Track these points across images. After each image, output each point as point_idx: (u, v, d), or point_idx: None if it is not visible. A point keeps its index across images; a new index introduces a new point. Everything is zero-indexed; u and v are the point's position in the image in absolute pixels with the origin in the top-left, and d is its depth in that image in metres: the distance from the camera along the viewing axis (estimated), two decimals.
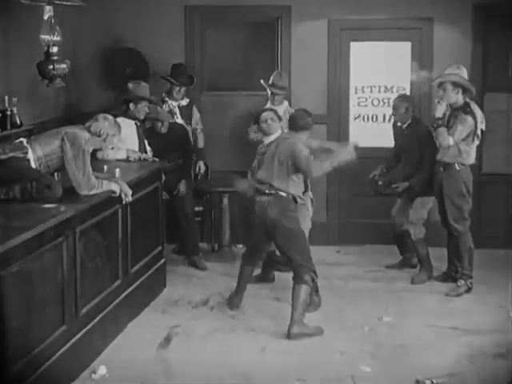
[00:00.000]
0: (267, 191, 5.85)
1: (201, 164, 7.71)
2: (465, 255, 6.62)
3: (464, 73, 6.53)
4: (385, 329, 5.83)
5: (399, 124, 7.01)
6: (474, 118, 6.40)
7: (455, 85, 6.43)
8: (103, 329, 5.33)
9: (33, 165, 5.03)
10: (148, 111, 6.89)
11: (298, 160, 5.79)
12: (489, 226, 7.72)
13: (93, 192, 5.15)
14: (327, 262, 7.29)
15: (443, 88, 6.45)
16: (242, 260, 6.33)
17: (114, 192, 5.38)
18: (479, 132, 6.46)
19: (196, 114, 7.66)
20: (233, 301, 6.26)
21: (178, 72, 7.46)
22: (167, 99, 7.45)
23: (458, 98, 6.46)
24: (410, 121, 6.93)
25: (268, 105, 7.60)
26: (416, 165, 6.85)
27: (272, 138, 6.05)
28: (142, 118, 6.88)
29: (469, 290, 6.60)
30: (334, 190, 8.11)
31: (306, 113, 6.12)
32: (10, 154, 4.97)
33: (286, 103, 7.62)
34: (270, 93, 7.49)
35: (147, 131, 7.03)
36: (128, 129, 6.80)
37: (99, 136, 5.30)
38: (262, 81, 7.51)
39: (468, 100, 6.49)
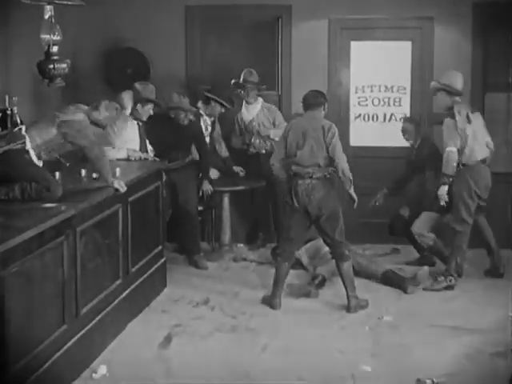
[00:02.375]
0: (312, 174, 6.01)
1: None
2: (455, 253, 6.69)
3: (448, 76, 6.64)
4: (385, 328, 5.83)
5: (411, 143, 7.21)
6: (453, 117, 6.50)
7: (437, 90, 6.66)
8: (104, 328, 5.33)
9: (32, 155, 5.02)
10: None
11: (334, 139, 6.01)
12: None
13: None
14: None
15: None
16: (277, 258, 6.29)
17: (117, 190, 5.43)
18: (466, 131, 6.50)
19: (218, 127, 7.71)
20: (274, 302, 6.20)
21: (225, 93, 7.49)
22: (202, 113, 7.48)
23: (446, 101, 6.62)
24: (419, 141, 7.10)
25: (243, 103, 7.67)
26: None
27: None
28: (145, 119, 6.90)
29: (450, 287, 6.64)
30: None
31: (318, 92, 6.20)
32: (7, 147, 4.93)
33: (260, 100, 7.70)
34: (242, 91, 7.63)
35: (163, 124, 7.06)
36: (130, 129, 6.84)
37: (98, 125, 5.40)
38: (232, 81, 7.61)
39: (457, 101, 6.58)
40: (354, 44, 7.99)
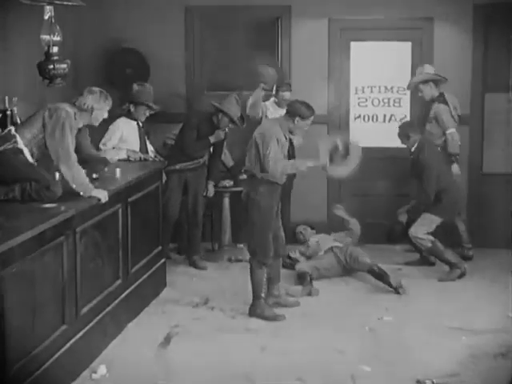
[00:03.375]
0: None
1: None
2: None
3: (427, 68, 7.35)
4: (385, 328, 5.83)
5: (409, 147, 7.19)
6: (447, 104, 7.23)
7: (425, 82, 7.31)
8: (103, 328, 5.33)
9: (26, 153, 4.98)
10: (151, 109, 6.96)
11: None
12: (489, 225, 7.72)
13: (72, 173, 4.97)
14: None
15: (419, 90, 7.37)
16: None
17: (99, 199, 5.15)
18: (456, 118, 7.27)
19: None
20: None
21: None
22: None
23: (433, 91, 7.32)
24: (415, 145, 7.07)
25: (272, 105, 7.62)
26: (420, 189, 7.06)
27: None
28: (143, 120, 6.93)
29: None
30: (335, 190, 8.12)
31: (305, 104, 6.02)
32: (1, 148, 4.93)
33: None
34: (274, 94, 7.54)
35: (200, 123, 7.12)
36: (130, 129, 6.86)
37: (85, 110, 5.20)
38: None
39: (443, 91, 7.27)
40: (353, 44, 7.99)
